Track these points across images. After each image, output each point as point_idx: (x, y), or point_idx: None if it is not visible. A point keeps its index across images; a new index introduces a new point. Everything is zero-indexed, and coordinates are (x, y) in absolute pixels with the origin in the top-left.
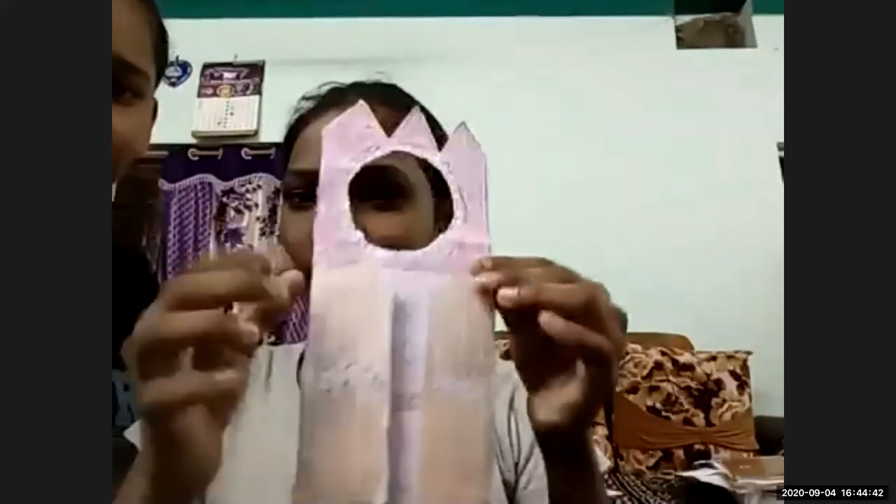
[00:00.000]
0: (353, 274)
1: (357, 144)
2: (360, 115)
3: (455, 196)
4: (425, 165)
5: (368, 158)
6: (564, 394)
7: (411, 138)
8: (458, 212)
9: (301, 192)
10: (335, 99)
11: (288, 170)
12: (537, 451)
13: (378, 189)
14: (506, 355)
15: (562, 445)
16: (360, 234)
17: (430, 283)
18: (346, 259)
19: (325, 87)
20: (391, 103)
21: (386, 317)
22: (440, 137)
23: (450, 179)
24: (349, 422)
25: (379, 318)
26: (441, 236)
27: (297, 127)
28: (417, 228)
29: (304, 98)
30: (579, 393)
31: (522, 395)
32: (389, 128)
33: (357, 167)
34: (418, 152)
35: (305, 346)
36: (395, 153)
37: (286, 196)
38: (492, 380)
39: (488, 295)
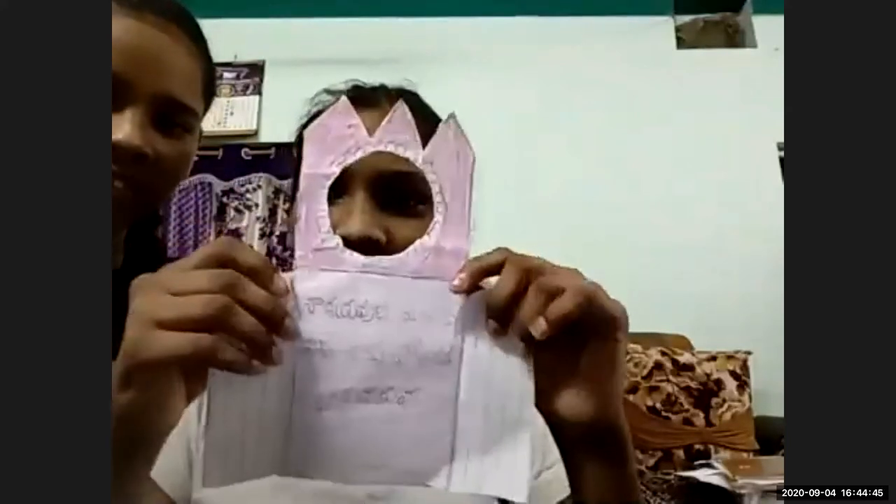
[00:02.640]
0: (331, 279)
1: (337, 146)
2: (342, 115)
3: (436, 197)
4: None
5: (349, 160)
6: (582, 374)
7: (394, 136)
8: (437, 214)
9: None
10: (360, 98)
11: None
12: (541, 438)
13: (401, 195)
14: None
15: (593, 438)
16: (338, 239)
17: (402, 288)
18: (325, 264)
19: (350, 83)
20: (412, 110)
21: (360, 321)
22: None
23: (431, 179)
24: (321, 415)
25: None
26: (418, 241)
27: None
28: None
29: (327, 91)
30: (595, 365)
31: None
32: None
33: (337, 171)
34: (400, 151)
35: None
36: (377, 153)
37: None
38: (460, 375)
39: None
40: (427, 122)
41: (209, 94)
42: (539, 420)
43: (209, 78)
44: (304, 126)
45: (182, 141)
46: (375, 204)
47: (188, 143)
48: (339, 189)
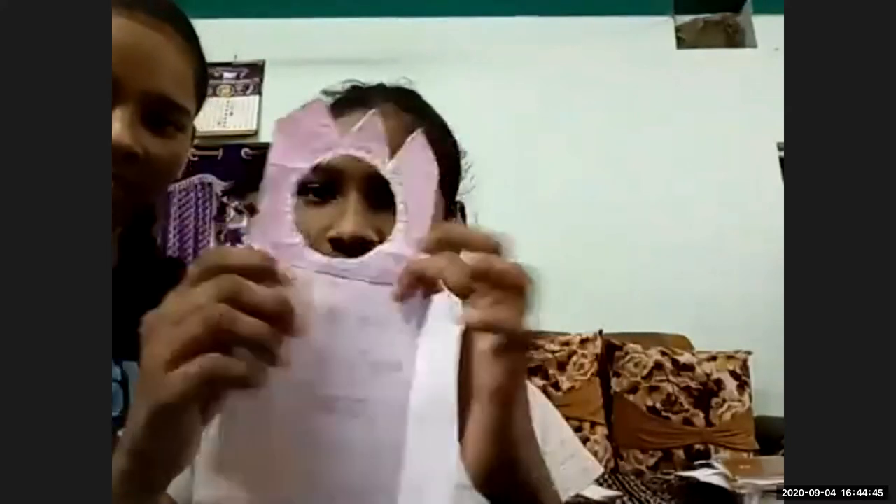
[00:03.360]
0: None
1: (308, 143)
2: (316, 112)
3: (399, 207)
4: (443, 173)
5: (318, 159)
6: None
7: (365, 143)
8: (399, 223)
9: (318, 186)
10: (357, 99)
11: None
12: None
13: (385, 195)
14: None
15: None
16: (299, 238)
17: (360, 292)
18: (283, 261)
19: (348, 84)
20: (410, 110)
21: (313, 323)
22: (444, 146)
23: (397, 190)
24: (270, 424)
25: (306, 325)
26: (379, 247)
27: None
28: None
29: (325, 93)
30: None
31: None
32: (402, 134)
33: (306, 168)
34: (368, 158)
35: None
36: (345, 156)
37: (300, 191)
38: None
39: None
40: (424, 120)
41: (202, 93)
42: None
43: (201, 77)
44: None
45: (174, 140)
46: (369, 205)
47: (180, 142)
48: (333, 190)
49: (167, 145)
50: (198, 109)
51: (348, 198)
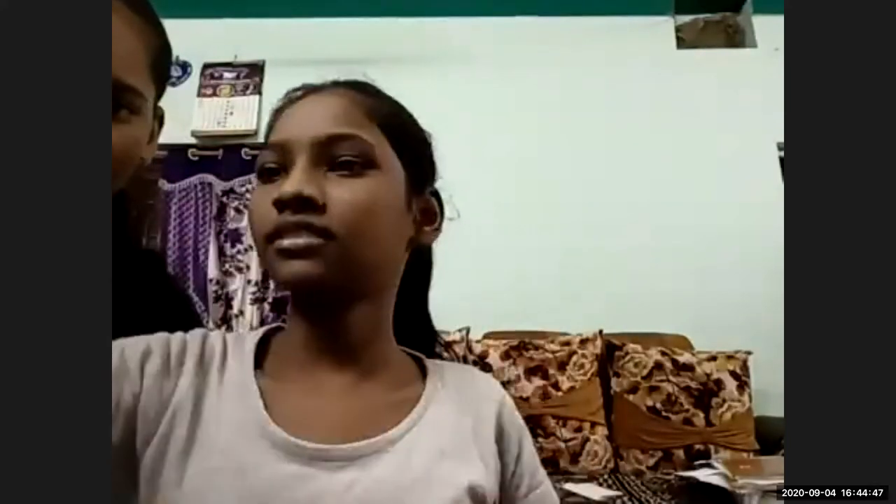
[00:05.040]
0: None
1: None
2: None
3: None
4: (400, 143)
5: None
6: None
7: None
8: None
9: (273, 165)
10: (308, 89)
11: (261, 150)
12: (527, 461)
13: (342, 157)
14: (505, 356)
15: None
16: None
17: None
18: None
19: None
20: (361, 90)
21: None
22: (414, 138)
23: None
24: None
25: None
26: None
27: (273, 118)
28: (381, 194)
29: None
30: None
31: (509, 411)
32: (354, 108)
33: None
34: None
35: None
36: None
37: (258, 174)
38: None
39: None
40: (381, 100)
41: (161, 69)
42: (527, 439)
43: (159, 52)
44: (267, 129)
45: (129, 124)
46: (315, 166)
47: (136, 126)
48: (286, 164)
49: (122, 131)
50: (160, 88)
51: (297, 163)
